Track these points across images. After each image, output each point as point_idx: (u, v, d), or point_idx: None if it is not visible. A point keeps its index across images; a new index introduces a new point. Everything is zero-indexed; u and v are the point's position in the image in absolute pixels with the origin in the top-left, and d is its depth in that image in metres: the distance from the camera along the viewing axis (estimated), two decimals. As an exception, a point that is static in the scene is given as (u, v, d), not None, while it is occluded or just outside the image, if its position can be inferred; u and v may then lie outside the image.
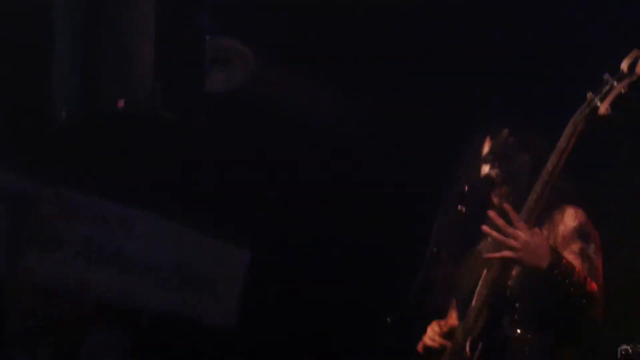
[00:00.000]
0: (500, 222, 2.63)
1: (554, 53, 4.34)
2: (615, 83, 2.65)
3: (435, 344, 2.89)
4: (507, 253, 2.59)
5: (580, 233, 2.79)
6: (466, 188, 2.88)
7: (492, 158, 2.97)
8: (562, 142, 2.67)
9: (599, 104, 2.65)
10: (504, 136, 2.99)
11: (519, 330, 2.70)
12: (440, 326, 2.95)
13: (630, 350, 4.27)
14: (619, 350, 4.31)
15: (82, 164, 4.52)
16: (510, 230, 2.59)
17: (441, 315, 3.06)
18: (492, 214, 2.70)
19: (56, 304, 4.51)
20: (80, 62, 4.24)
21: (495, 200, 2.93)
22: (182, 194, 4.93)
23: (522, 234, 2.57)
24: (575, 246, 2.76)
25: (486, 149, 3.03)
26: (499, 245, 2.65)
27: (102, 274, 4.64)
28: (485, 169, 2.98)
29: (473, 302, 2.74)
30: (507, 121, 3.07)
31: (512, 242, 2.57)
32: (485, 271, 2.75)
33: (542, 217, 2.78)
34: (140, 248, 4.79)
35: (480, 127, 3.15)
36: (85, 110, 4.24)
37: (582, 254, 2.74)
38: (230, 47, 4.96)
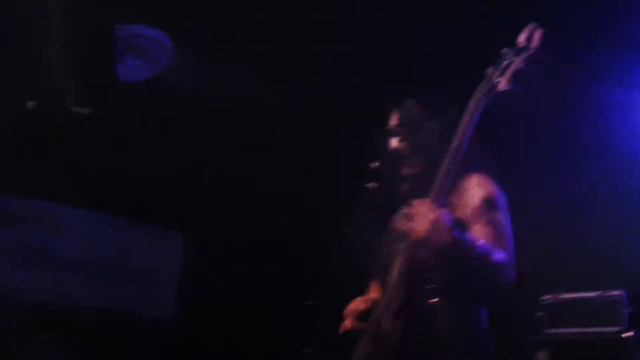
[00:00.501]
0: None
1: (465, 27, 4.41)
2: (513, 57, 2.70)
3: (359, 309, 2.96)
4: (414, 234, 2.66)
5: (486, 202, 2.84)
6: (377, 164, 2.94)
7: (400, 130, 3.02)
8: (465, 118, 2.72)
9: (498, 79, 2.71)
10: (409, 106, 3.04)
11: (435, 300, 2.74)
12: (362, 302, 3.02)
13: (551, 300, 4.51)
14: (541, 300, 4.54)
15: (3, 164, 4.45)
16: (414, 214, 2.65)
17: (363, 292, 3.13)
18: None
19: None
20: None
21: (406, 171, 2.98)
22: (109, 186, 4.89)
23: (422, 222, 2.62)
24: (484, 216, 2.81)
25: (393, 121, 3.07)
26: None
27: (32, 275, 4.58)
28: (394, 142, 3.02)
29: (391, 277, 2.80)
30: (414, 93, 3.10)
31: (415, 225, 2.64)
32: (401, 246, 2.81)
33: (451, 186, 2.83)
34: (69, 245, 4.74)
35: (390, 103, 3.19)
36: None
37: (490, 223, 2.80)
38: (146, 35, 4.91)
